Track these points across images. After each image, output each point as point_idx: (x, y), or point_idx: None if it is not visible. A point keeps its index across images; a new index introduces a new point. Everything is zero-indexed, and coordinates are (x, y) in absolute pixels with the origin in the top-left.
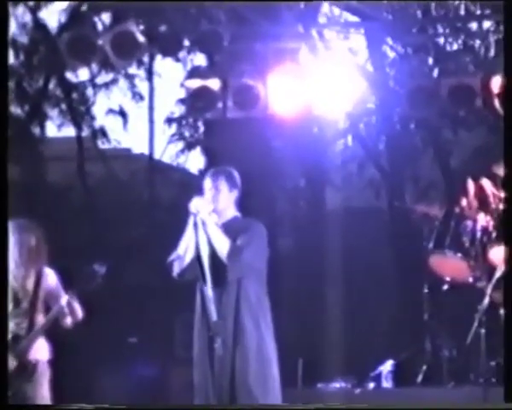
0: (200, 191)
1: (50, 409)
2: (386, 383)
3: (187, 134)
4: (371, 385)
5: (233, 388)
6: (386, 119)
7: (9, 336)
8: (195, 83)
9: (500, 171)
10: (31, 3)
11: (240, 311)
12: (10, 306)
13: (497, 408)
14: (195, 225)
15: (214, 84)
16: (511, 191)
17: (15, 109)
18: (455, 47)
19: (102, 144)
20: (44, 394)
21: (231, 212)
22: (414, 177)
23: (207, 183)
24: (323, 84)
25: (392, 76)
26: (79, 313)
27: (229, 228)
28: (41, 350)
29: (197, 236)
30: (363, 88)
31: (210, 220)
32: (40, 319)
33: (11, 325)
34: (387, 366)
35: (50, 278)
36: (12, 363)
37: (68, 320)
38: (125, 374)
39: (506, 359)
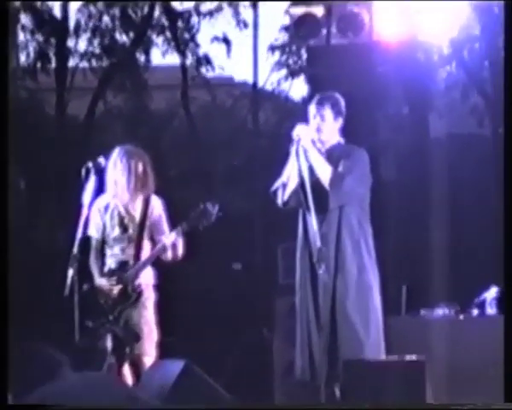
0: (303, 118)
1: (50, 409)
2: (491, 310)
3: (290, 61)
4: (475, 312)
5: (333, 315)
6: (490, 45)
7: (115, 260)
8: (300, 10)
9: None
10: None
11: (341, 238)
12: (117, 231)
13: (497, 408)
14: (298, 152)
15: (318, 10)
16: (511, 192)
17: (121, 37)
18: None
19: (206, 72)
20: (149, 317)
21: (334, 138)
22: None
23: (312, 110)
24: (428, 10)
25: (497, 2)
26: (180, 249)
27: (331, 154)
28: (147, 276)
29: (300, 163)
30: (467, 14)
31: (312, 147)
32: (146, 245)
33: (116, 250)
34: (492, 293)
35: (157, 206)
36: (117, 288)
37: (170, 255)
38: (226, 299)
39: (506, 359)
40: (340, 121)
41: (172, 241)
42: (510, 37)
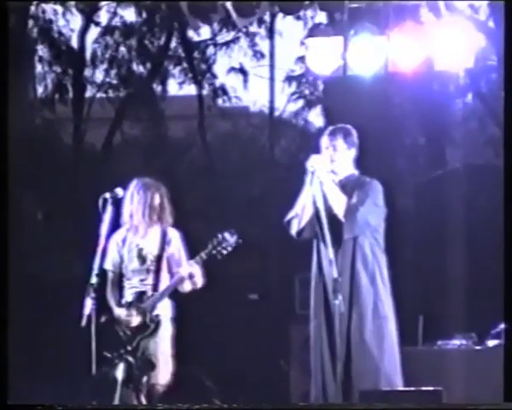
0: (317, 149)
1: (50, 409)
2: None
3: (307, 92)
4: (492, 342)
5: (349, 345)
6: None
7: (133, 291)
8: (316, 41)
9: None
10: None
11: (356, 268)
12: (136, 263)
13: (497, 408)
14: (312, 182)
15: (336, 41)
16: (511, 191)
17: (137, 67)
18: None
19: (223, 102)
20: (166, 349)
21: (348, 170)
22: None
23: (325, 141)
24: (444, 41)
25: None
26: (199, 279)
27: (345, 185)
28: (164, 307)
29: (314, 194)
30: (483, 44)
31: (327, 179)
32: (164, 276)
33: (135, 281)
34: None
35: (174, 239)
36: (136, 318)
37: (189, 285)
38: (243, 330)
39: (506, 359)
40: (354, 152)
41: (189, 272)
42: (510, 38)
